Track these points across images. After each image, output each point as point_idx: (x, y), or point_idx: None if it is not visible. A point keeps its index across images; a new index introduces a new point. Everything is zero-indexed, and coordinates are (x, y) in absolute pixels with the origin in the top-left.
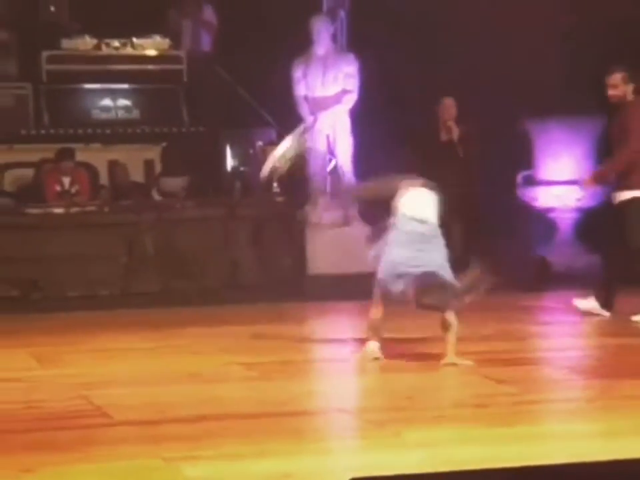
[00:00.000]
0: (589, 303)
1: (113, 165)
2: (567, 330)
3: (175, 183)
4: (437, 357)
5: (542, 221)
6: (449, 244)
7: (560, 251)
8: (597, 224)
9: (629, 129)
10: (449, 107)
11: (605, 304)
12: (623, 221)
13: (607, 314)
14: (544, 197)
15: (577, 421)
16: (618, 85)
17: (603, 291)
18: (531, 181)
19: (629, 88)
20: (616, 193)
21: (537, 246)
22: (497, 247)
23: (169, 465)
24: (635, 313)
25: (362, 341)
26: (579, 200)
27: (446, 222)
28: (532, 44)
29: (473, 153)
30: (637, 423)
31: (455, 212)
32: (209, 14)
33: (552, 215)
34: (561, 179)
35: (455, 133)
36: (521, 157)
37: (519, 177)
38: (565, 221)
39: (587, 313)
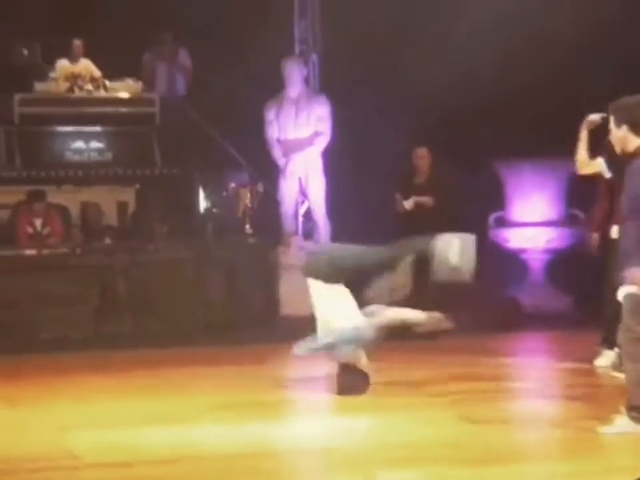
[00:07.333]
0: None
1: (85, 207)
2: (536, 370)
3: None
4: (411, 395)
5: (513, 261)
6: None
7: (531, 292)
8: (567, 265)
9: None
10: (421, 157)
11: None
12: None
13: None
14: (515, 238)
15: (550, 461)
16: None
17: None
18: (503, 222)
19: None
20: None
21: (508, 287)
22: (468, 287)
23: None
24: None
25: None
26: (549, 241)
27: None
28: (503, 86)
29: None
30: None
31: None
32: (184, 57)
33: (523, 256)
34: (532, 220)
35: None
36: (493, 198)
37: (491, 218)
38: (536, 262)
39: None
